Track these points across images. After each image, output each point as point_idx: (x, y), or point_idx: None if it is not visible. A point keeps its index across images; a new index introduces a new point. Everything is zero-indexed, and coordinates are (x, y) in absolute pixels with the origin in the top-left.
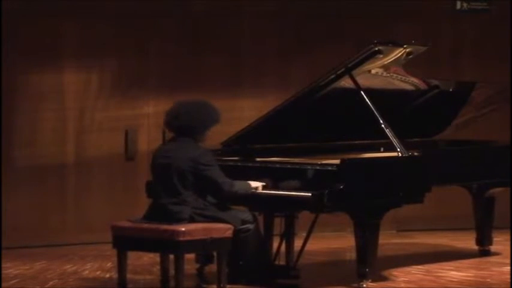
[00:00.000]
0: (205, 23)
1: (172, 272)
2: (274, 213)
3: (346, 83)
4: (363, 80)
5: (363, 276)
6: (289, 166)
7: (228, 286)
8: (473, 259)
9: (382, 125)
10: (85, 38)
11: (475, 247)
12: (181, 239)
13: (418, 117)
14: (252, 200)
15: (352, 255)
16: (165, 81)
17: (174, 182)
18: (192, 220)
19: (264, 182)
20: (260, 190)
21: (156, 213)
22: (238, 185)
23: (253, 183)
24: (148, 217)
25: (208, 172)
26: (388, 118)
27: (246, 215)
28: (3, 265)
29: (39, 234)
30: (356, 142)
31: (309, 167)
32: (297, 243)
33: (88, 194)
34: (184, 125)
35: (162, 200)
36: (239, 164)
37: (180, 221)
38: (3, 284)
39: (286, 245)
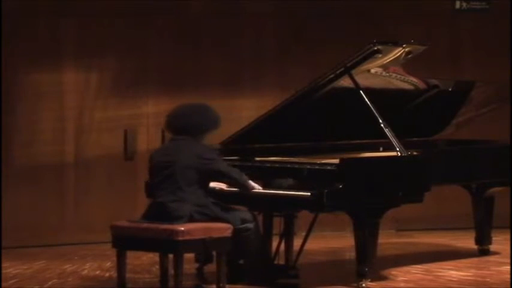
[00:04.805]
0: (205, 23)
1: (171, 271)
2: (274, 212)
3: (345, 82)
4: (362, 80)
5: (362, 276)
6: (288, 166)
7: (227, 286)
8: (473, 258)
9: (382, 125)
10: (84, 38)
11: (475, 246)
12: (180, 238)
13: (418, 117)
14: (252, 199)
15: (351, 254)
16: (164, 81)
17: (177, 179)
18: (191, 218)
19: (259, 185)
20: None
21: (156, 212)
22: (246, 178)
23: (256, 186)
24: (148, 216)
25: (213, 165)
26: (387, 118)
27: (246, 214)
28: (2, 265)
29: (38, 233)
30: (355, 142)
31: (308, 167)
32: (297, 243)
33: (87, 193)
34: (188, 124)
35: (161, 198)
36: (239, 164)
37: (179, 218)
38: (2, 284)
39: (286, 244)
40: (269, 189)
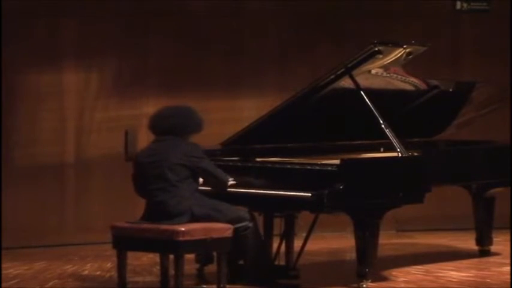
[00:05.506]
0: (205, 23)
1: (172, 272)
2: (274, 213)
3: (346, 83)
4: (362, 80)
5: (362, 277)
6: (289, 166)
7: (227, 286)
8: (473, 259)
9: (382, 125)
10: (84, 38)
11: (475, 247)
12: (181, 239)
13: (418, 118)
14: (252, 199)
15: (352, 255)
16: (165, 81)
17: (167, 177)
18: (191, 212)
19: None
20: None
21: (156, 211)
22: (228, 177)
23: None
24: (148, 217)
25: (200, 163)
26: (388, 118)
27: (244, 213)
28: (2, 265)
29: (38, 234)
30: (356, 142)
31: (308, 167)
32: (297, 244)
33: (87, 194)
34: (172, 126)
35: (158, 197)
36: (239, 164)
37: (180, 215)
38: (3, 284)
39: (286, 245)
40: (242, 188)
